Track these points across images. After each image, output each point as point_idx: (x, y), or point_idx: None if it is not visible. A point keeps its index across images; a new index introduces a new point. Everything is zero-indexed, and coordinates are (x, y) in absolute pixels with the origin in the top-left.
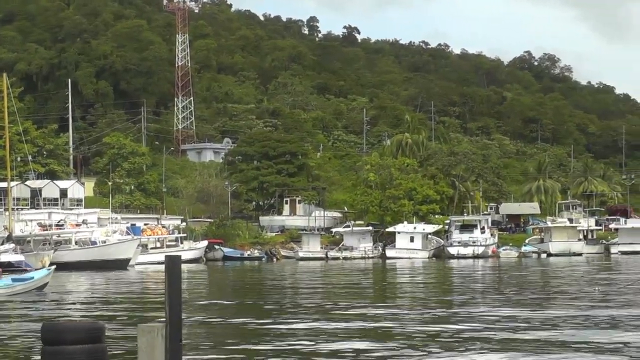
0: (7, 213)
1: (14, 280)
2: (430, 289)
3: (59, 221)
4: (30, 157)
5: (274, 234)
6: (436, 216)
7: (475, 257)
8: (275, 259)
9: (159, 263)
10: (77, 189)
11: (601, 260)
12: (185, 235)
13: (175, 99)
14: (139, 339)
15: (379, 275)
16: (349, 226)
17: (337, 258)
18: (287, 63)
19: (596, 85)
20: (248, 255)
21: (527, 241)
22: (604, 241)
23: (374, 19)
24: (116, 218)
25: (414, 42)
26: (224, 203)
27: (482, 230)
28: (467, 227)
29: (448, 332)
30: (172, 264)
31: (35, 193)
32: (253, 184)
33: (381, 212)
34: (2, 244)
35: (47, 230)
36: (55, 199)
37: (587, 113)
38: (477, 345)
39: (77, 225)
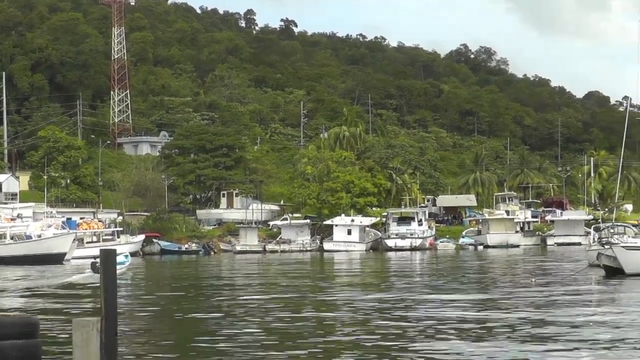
0: None
1: None
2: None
3: None
4: None
5: (211, 228)
6: (373, 209)
7: (413, 249)
8: (212, 253)
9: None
10: (12, 183)
11: (537, 252)
12: (121, 229)
13: (112, 92)
14: (74, 334)
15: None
16: (286, 219)
17: (275, 251)
18: (224, 56)
19: (532, 78)
20: (185, 248)
21: (464, 233)
22: (540, 233)
23: (311, 12)
24: (51, 212)
25: (351, 35)
26: (161, 196)
27: (420, 222)
28: (404, 220)
29: None
30: (107, 257)
31: None
32: (190, 177)
33: (319, 205)
34: None
35: None
36: None
37: (523, 106)
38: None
39: (12, 219)
